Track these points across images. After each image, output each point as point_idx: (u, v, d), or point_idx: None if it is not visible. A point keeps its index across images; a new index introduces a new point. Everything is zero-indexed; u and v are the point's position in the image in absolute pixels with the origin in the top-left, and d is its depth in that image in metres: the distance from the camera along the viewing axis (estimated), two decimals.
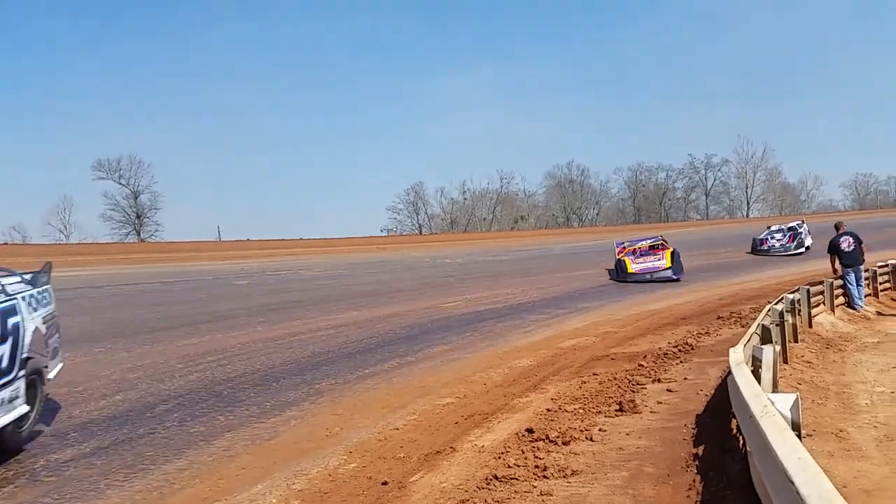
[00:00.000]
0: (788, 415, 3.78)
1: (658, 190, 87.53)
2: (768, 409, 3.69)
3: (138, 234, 65.97)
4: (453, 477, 5.02)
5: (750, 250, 28.83)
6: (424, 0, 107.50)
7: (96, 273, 23.85)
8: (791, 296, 9.99)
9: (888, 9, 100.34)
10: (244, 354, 10.04)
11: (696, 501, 4.23)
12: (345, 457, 5.67)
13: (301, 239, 45.47)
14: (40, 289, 6.73)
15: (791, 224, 30.43)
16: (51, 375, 6.65)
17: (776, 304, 9.04)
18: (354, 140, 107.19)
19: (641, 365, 8.38)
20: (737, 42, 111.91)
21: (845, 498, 2.38)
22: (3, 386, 5.35)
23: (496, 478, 4.78)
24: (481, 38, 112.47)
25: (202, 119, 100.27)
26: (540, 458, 5.14)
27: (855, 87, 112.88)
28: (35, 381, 6.11)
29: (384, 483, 5.03)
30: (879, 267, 16.04)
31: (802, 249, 27.13)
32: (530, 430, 5.82)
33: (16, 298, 5.94)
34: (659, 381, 7.58)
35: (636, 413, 6.32)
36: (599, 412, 6.42)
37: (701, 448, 5.18)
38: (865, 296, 14.50)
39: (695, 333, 10.45)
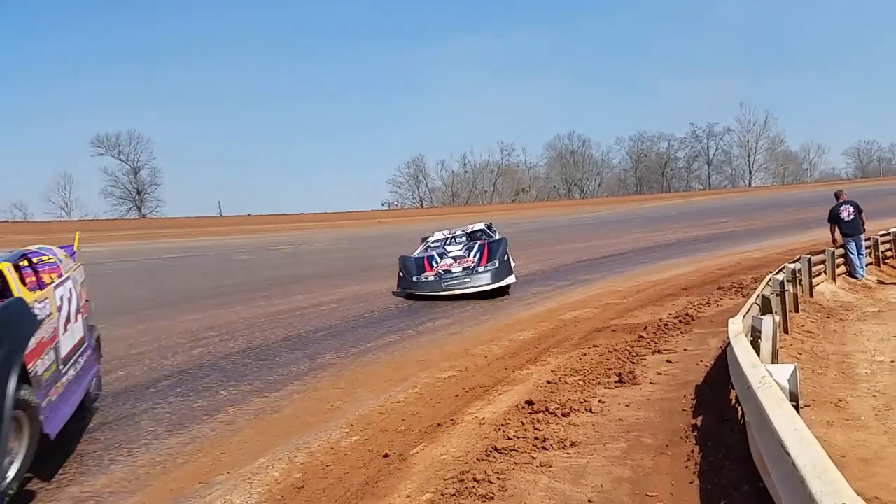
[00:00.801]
0: (786, 385, 3.79)
1: (660, 160, 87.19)
2: (766, 380, 3.70)
3: (139, 210, 66.07)
4: (454, 449, 5.05)
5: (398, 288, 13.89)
6: None
7: (98, 249, 23.88)
8: (792, 265, 9.97)
9: None
10: (246, 329, 10.08)
11: (695, 472, 4.26)
12: (346, 430, 5.71)
13: (302, 213, 45.45)
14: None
15: (473, 228, 15.65)
16: None
17: (777, 273, 9.02)
18: (355, 113, 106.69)
19: (642, 336, 8.39)
20: (739, 8, 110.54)
21: (843, 467, 2.40)
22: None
23: (496, 449, 4.82)
24: (480, 6, 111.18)
25: (202, 94, 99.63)
26: (539, 430, 5.17)
27: (858, 53, 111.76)
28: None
29: (385, 455, 5.07)
30: (881, 235, 15.99)
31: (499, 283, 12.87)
32: (530, 402, 5.85)
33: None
34: (659, 352, 7.59)
35: (636, 384, 6.34)
36: (599, 384, 6.44)
37: (700, 419, 5.20)
38: (867, 265, 14.48)
39: (695, 304, 10.45)
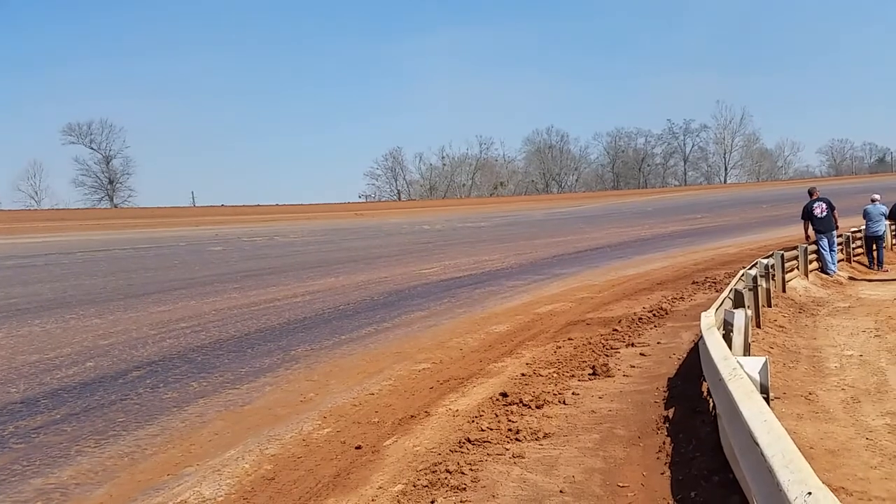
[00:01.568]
0: (757, 378, 3.81)
1: (637, 156, 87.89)
2: (737, 371, 3.71)
3: (111, 200, 65.14)
4: (427, 440, 5.03)
5: None
6: None
7: (69, 239, 23.51)
8: (765, 261, 10.07)
9: None
10: (218, 321, 9.96)
11: (666, 463, 4.28)
12: (319, 422, 5.66)
13: (277, 204, 45.10)
14: None
15: None
16: None
17: (750, 268, 9.11)
18: (332, 104, 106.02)
19: (616, 330, 8.44)
20: (716, 7, 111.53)
21: (811, 458, 2.41)
22: None
23: (469, 441, 4.80)
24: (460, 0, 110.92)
25: (177, 84, 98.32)
26: (513, 422, 5.17)
27: (833, 53, 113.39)
28: None
29: (358, 447, 5.03)
30: (853, 232, 16.24)
31: None
32: (504, 395, 5.84)
33: None
34: (633, 345, 7.64)
35: (609, 377, 6.37)
36: (573, 376, 6.46)
37: (672, 411, 5.23)
38: (839, 261, 14.70)
39: (669, 298, 10.54)
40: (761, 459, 2.57)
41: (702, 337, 5.34)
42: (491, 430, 5.03)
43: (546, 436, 4.89)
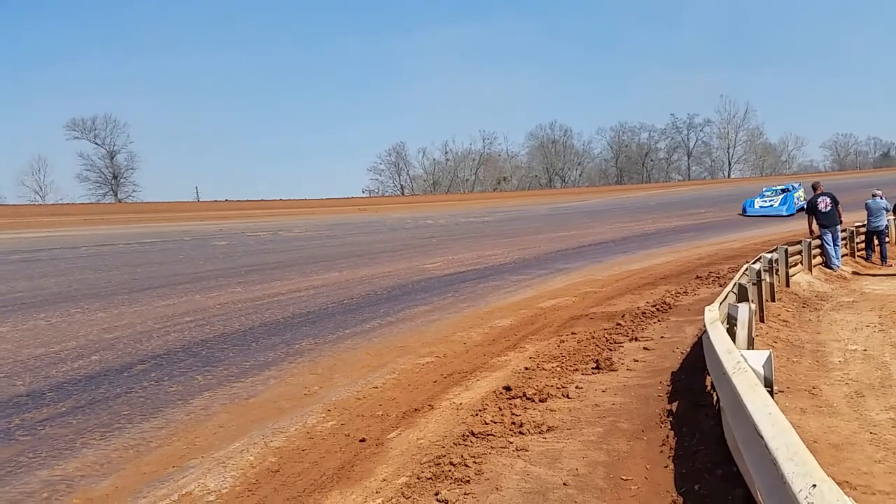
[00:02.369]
0: (761, 371, 3.82)
1: (640, 150, 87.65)
2: (741, 365, 3.71)
3: (115, 195, 65.17)
4: (431, 433, 5.05)
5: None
6: None
7: (73, 234, 23.56)
8: (769, 255, 10.06)
9: None
10: (223, 315, 9.98)
11: (669, 456, 4.28)
12: (323, 415, 5.68)
13: (281, 200, 45.09)
14: None
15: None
16: None
17: (754, 263, 9.10)
18: (336, 100, 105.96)
19: (619, 324, 8.44)
20: (721, 1, 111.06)
21: (815, 452, 2.41)
22: None
23: (473, 434, 4.82)
24: None
25: (181, 79, 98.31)
26: (517, 415, 5.18)
27: (837, 48, 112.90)
28: None
29: (362, 440, 5.05)
30: (857, 227, 16.21)
31: None
32: (508, 388, 5.86)
33: None
34: (636, 339, 7.64)
35: (613, 371, 6.37)
36: (577, 370, 6.47)
37: (675, 404, 5.24)
38: (842, 256, 14.67)
39: (673, 293, 10.53)
40: (765, 452, 2.57)
41: (706, 331, 5.34)
42: (494, 423, 5.05)
43: (549, 429, 4.90)
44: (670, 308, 9.36)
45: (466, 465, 4.25)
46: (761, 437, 2.69)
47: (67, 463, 4.78)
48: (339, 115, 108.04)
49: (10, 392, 6.37)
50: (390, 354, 7.66)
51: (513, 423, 5.03)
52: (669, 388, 5.70)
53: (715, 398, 4.78)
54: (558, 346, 7.58)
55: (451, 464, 4.28)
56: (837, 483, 2.17)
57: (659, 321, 8.59)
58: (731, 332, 5.36)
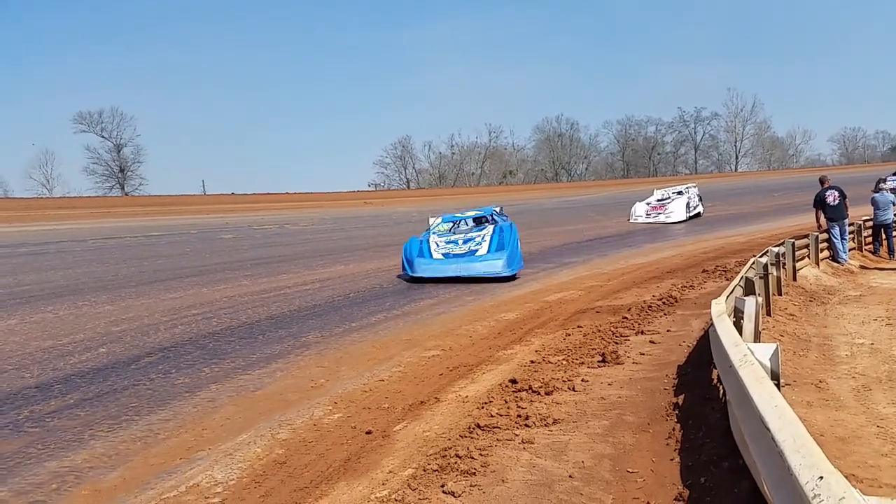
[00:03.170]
0: (767, 364, 3.81)
1: (647, 144, 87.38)
2: (748, 358, 3.71)
3: (122, 188, 65.38)
4: (437, 426, 5.06)
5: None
6: None
7: (80, 227, 23.67)
8: (776, 249, 10.03)
9: None
10: (229, 308, 10.02)
11: (676, 449, 4.28)
12: (329, 407, 5.70)
13: (287, 193, 45.13)
14: None
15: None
16: None
17: (761, 257, 9.07)
18: (342, 93, 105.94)
19: (625, 318, 8.43)
20: None
21: (821, 446, 2.40)
22: None
23: (479, 426, 4.83)
24: None
25: (187, 72, 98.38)
26: (522, 408, 5.18)
27: (845, 41, 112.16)
28: None
29: (368, 432, 5.06)
30: (864, 221, 16.13)
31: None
32: (514, 381, 5.86)
33: None
34: (642, 332, 7.63)
35: (619, 364, 6.37)
36: (582, 363, 6.47)
37: (681, 398, 5.23)
38: (850, 249, 14.61)
39: (679, 287, 10.51)
40: (772, 444, 2.57)
41: (712, 324, 5.33)
42: (500, 416, 5.05)
43: (555, 422, 4.91)
44: (676, 302, 9.35)
45: (472, 458, 4.26)
46: (768, 430, 2.68)
47: (76, 454, 4.81)
48: (345, 108, 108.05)
49: (19, 384, 6.41)
50: (396, 347, 7.68)
51: (518, 415, 5.03)
52: (675, 382, 5.70)
53: (721, 391, 4.77)
54: (564, 339, 7.58)
55: (457, 456, 4.29)
56: (844, 476, 2.17)
57: (665, 315, 8.58)
58: (738, 326, 5.35)
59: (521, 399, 5.42)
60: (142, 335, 8.35)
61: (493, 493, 3.83)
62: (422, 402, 5.71)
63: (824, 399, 5.51)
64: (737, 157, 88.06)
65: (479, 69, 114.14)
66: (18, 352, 7.55)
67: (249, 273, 13.74)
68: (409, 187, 75.16)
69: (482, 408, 5.31)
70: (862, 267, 13.97)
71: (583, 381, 5.88)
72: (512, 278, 12.42)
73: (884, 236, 15.57)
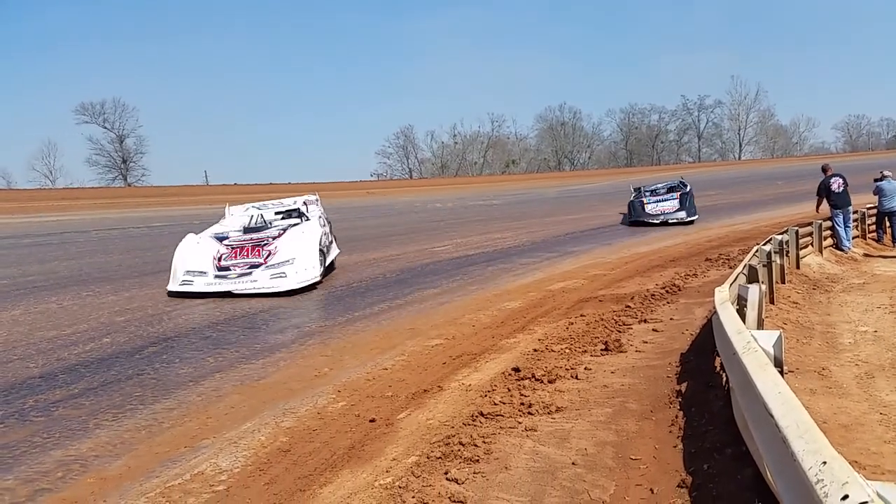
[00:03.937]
0: (771, 351, 3.81)
1: (650, 132, 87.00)
2: (751, 345, 3.71)
3: (125, 179, 65.35)
4: (440, 414, 5.07)
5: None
6: None
7: (83, 217, 23.71)
8: (780, 237, 10.01)
9: None
10: (232, 298, 10.03)
11: (679, 436, 4.29)
12: (333, 396, 5.71)
13: (289, 183, 45.07)
14: None
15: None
16: None
17: (764, 245, 9.06)
18: (344, 82, 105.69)
19: (628, 306, 8.43)
20: None
21: (824, 433, 2.40)
22: None
23: (482, 414, 4.84)
24: None
25: (188, 63, 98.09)
26: (525, 396, 5.19)
27: (849, 28, 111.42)
28: None
29: (372, 420, 5.08)
30: (868, 209, 16.08)
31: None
32: (517, 370, 5.87)
33: None
34: (645, 321, 7.64)
35: (621, 352, 6.38)
36: (585, 352, 6.47)
37: (684, 385, 5.24)
38: (853, 237, 14.58)
39: (682, 275, 10.50)
40: (776, 431, 2.57)
41: (716, 311, 5.33)
42: (503, 404, 5.07)
43: (558, 409, 4.92)
44: (679, 290, 9.34)
45: (476, 445, 4.27)
46: (771, 416, 2.69)
47: (81, 443, 4.83)
48: (347, 97, 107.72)
49: (23, 374, 6.43)
50: (399, 337, 7.69)
51: (522, 403, 5.04)
52: (678, 369, 5.70)
53: (724, 379, 4.77)
54: (567, 328, 7.58)
55: (461, 443, 4.30)
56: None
57: (668, 303, 8.57)
58: (741, 313, 5.35)
59: (524, 387, 5.43)
60: (145, 325, 8.37)
61: (497, 481, 3.84)
62: (425, 390, 5.72)
63: (827, 387, 5.51)
64: (740, 145, 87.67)
65: (482, 58, 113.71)
66: (23, 342, 7.57)
67: None
68: (411, 177, 75.03)
69: (485, 396, 5.33)
70: (865, 255, 13.95)
71: (586, 369, 5.89)
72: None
73: (888, 224, 15.53)
